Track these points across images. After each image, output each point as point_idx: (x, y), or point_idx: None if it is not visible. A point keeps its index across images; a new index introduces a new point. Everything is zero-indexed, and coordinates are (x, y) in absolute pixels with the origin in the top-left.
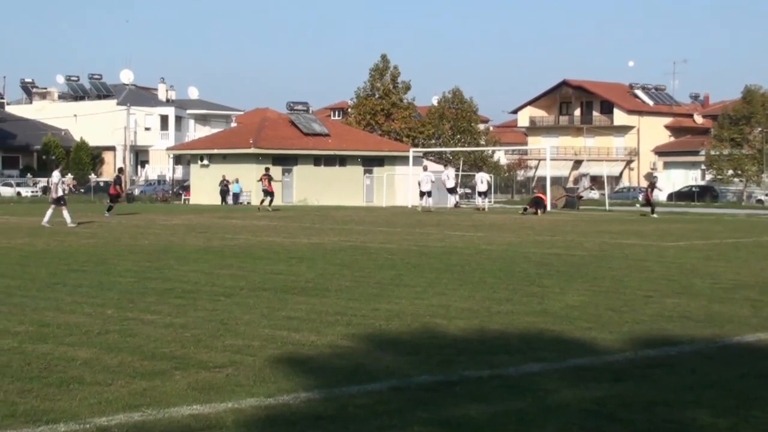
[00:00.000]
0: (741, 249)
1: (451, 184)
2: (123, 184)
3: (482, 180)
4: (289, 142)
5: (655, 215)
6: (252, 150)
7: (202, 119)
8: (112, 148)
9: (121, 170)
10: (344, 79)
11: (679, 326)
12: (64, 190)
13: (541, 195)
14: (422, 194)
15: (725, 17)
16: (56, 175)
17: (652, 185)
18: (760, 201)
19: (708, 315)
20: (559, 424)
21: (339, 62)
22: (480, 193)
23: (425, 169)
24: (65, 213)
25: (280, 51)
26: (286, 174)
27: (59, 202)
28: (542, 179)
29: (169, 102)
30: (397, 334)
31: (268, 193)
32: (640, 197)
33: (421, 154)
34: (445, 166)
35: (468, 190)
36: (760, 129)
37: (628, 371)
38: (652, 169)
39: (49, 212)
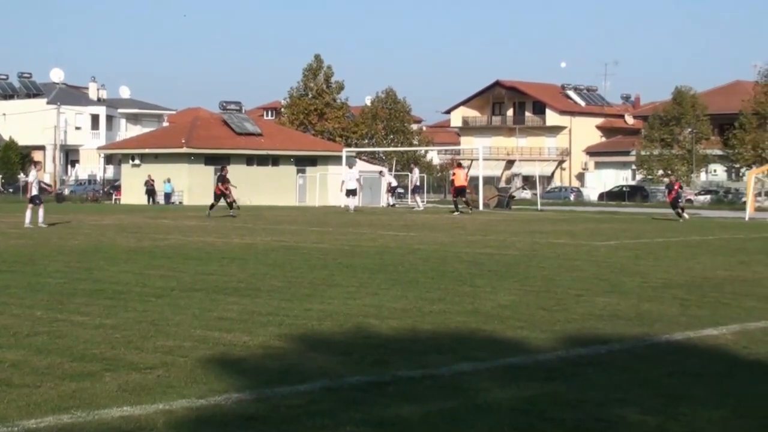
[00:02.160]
0: (670, 248)
1: (393, 183)
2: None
3: (416, 176)
4: (222, 142)
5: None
6: (184, 150)
7: (133, 118)
8: (42, 148)
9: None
10: (277, 78)
11: (610, 325)
12: (41, 190)
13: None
14: (348, 193)
15: (656, 19)
16: (33, 174)
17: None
18: (689, 201)
19: (637, 314)
20: (490, 423)
21: (272, 62)
22: (415, 190)
23: (350, 166)
24: (41, 212)
25: (213, 50)
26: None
27: (35, 200)
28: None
29: (100, 101)
30: (329, 335)
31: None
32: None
33: (354, 154)
34: (411, 168)
35: (401, 190)
36: (689, 129)
37: (559, 370)
38: (584, 169)
39: (28, 213)
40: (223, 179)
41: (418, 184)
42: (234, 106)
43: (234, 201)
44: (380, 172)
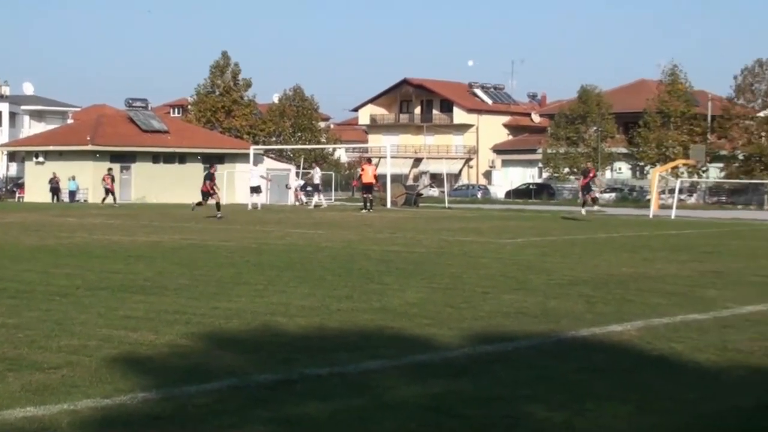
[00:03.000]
0: (576, 245)
1: (302, 181)
2: None
3: (318, 175)
4: (128, 139)
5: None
6: (89, 147)
7: (37, 115)
8: None
9: None
10: (184, 76)
11: (516, 322)
12: None
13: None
14: (252, 190)
15: (562, 18)
16: None
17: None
18: (594, 199)
19: (544, 310)
20: (397, 421)
21: (179, 59)
22: (315, 188)
23: (255, 165)
24: None
25: (119, 46)
26: (124, 171)
27: None
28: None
29: (2, 98)
30: (236, 333)
31: (109, 191)
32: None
33: (261, 152)
34: (312, 165)
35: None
36: (595, 128)
37: (467, 367)
38: (491, 167)
39: None
40: (211, 177)
41: (317, 182)
42: (140, 104)
43: (219, 202)
44: (254, 163)
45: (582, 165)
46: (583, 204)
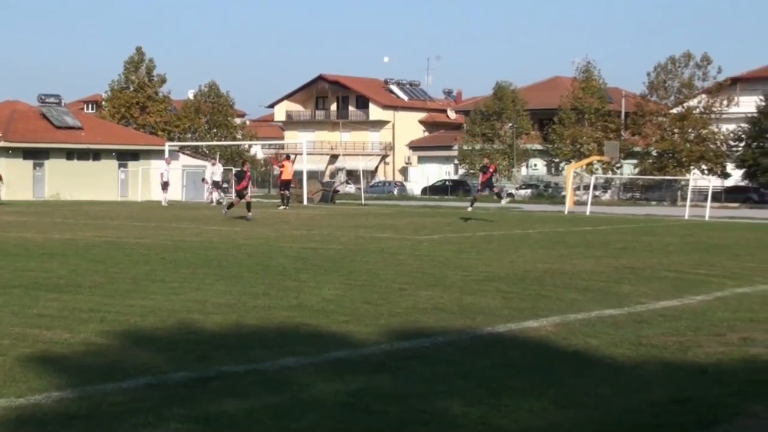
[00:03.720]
0: (492, 242)
1: (217, 178)
2: None
3: (218, 170)
4: (41, 136)
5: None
6: (2, 143)
7: None
8: None
9: None
10: (98, 71)
11: (433, 318)
12: None
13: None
14: (164, 186)
15: (477, 14)
16: None
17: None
18: (510, 195)
19: (460, 306)
20: (315, 418)
21: (92, 54)
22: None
23: (168, 162)
24: None
25: (31, 41)
26: (37, 168)
27: None
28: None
29: None
30: (152, 330)
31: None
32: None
33: (177, 148)
34: (213, 162)
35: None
36: (510, 124)
37: (384, 363)
38: (407, 163)
39: None
40: (243, 175)
41: (217, 179)
42: (53, 99)
43: (249, 201)
44: (167, 160)
45: (481, 163)
46: (472, 202)
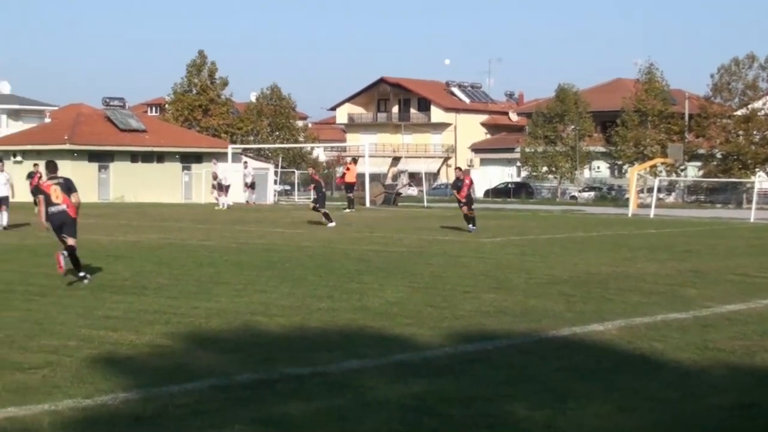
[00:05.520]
0: (555, 245)
1: (249, 180)
2: None
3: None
4: (105, 138)
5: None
6: (67, 146)
7: (14, 114)
8: None
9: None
10: (161, 74)
11: (497, 321)
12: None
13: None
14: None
15: (539, 16)
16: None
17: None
18: (573, 197)
19: (524, 310)
20: (379, 420)
21: (156, 58)
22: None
23: (215, 163)
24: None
25: (96, 45)
26: (102, 170)
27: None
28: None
29: None
30: (217, 333)
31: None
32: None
33: (240, 151)
34: (245, 163)
35: (288, 187)
36: (572, 127)
37: (448, 366)
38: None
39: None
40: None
41: (249, 180)
42: (117, 102)
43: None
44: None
45: (455, 173)
46: (469, 220)
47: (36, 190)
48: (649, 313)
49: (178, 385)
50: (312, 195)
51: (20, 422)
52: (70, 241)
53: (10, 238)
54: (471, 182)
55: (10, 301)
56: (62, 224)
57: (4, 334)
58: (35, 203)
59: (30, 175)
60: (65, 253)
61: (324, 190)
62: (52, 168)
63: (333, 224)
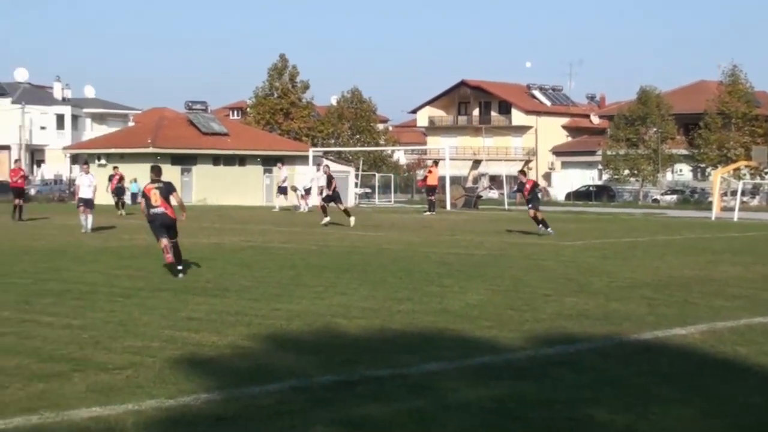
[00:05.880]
0: (637, 248)
1: (284, 184)
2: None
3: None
4: (188, 142)
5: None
6: (150, 149)
7: (99, 118)
8: (7, 148)
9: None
10: (243, 78)
11: (578, 324)
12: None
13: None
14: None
15: (620, 18)
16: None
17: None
18: (655, 200)
19: (605, 313)
20: (459, 423)
21: (237, 61)
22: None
23: (279, 167)
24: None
25: (178, 49)
26: (185, 174)
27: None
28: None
29: (65, 101)
30: (298, 334)
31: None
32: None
33: (321, 154)
34: (280, 166)
35: (368, 190)
36: (654, 129)
37: (528, 369)
38: (550, 168)
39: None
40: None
41: (284, 184)
42: (200, 106)
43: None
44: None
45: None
46: (537, 222)
47: (141, 194)
48: (733, 317)
49: (259, 386)
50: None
51: (104, 422)
52: (166, 241)
53: (94, 240)
54: (534, 184)
55: (95, 303)
56: (163, 225)
57: (89, 335)
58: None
59: (110, 178)
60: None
61: (336, 187)
62: (156, 172)
63: (327, 219)
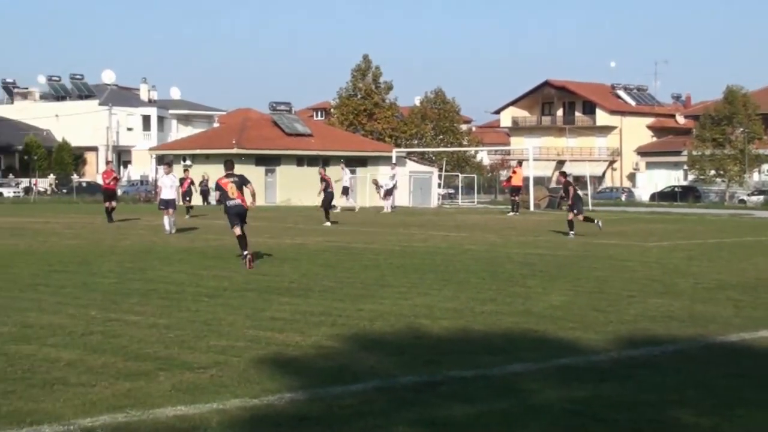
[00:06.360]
0: (723, 249)
1: (346, 183)
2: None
3: (391, 177)
4: (272, 143)
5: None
6: (235, 150)
7: (184, 119)
8: (95, 149)
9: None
10: (326, 79)
11: (663, 326)
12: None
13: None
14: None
15: (706, 18)
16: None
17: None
18: (742, 201)
19: (691, 315)
20: (543, 424)
21: (321, 62)
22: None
23: (342, 168)
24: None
25: (263, 51)
26: (269, 174)
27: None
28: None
29: (151, 102)
30: (381, 335)
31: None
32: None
33: (404, 154)
34: (342, 166)
35: (452, 190)
36: (741, 129)
37: (612, 371)
38: (635, 169)
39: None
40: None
41: (347, 184)
42: (284, 107)
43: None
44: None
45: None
46: (570, 225)
47: (216, 186)
48: None
49: (342, 386)
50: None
51: (189, 421)
52: (240, 230)
53: (181, 240)
54: (573, 188)
55: (180, 302)
56: (238, 214)
57: (174, 334)
58: (216, 199)
59: (181, 181)
60: (245, 253)
61: (331, 189)
62: (229, 166)
63: (328, 224)
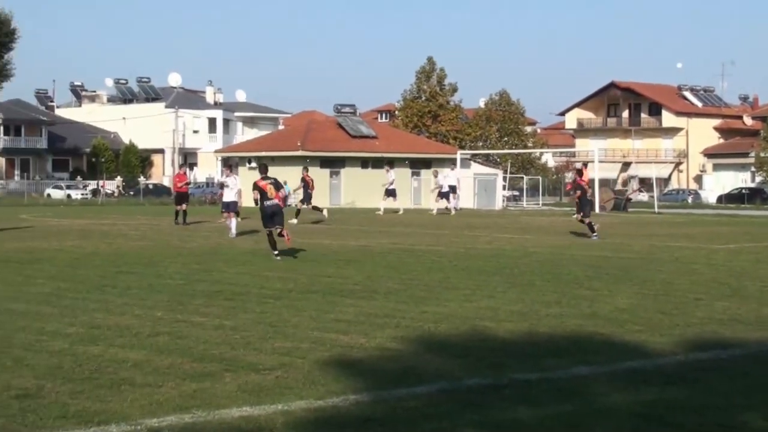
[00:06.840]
0: None
1: (452, 182)
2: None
3: (446, 177)
4: (337, 145)
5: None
6: (300, 152)
7: (249, 122)
8: (161, 151)
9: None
10: (391, 81)
11: (730, 329)
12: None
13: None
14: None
15: None
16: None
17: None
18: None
19: (759, 318)
20: (608, 428)
21: (385, 64)
22: (443, 194)
23: (387, 171)
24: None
25: (327, 53)
26: (333, 176)
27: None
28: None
29: (216, 105)
30: (445, 337)
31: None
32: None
33: (468, 156)
34: (452, 167)
35: (516, 192)
36: None
37: (679, 374)
38: (702, 171)
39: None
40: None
41: (454, 184)
42: (348, 109)
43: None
44: (434, 172)
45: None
46: (589, 226)
47: (254, 187)
48: None
49: (407, 388)
50: (301, 194)
51: (255, 421)
52: (279, 230)
53: (245, 242)
54: (582, 182)
55: (246, 304)
56: (273, 214)
57: (240, 335)
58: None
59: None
60: (283, 234)
61: (310, 190)
62: (263, 170)
63: (294, 221)
